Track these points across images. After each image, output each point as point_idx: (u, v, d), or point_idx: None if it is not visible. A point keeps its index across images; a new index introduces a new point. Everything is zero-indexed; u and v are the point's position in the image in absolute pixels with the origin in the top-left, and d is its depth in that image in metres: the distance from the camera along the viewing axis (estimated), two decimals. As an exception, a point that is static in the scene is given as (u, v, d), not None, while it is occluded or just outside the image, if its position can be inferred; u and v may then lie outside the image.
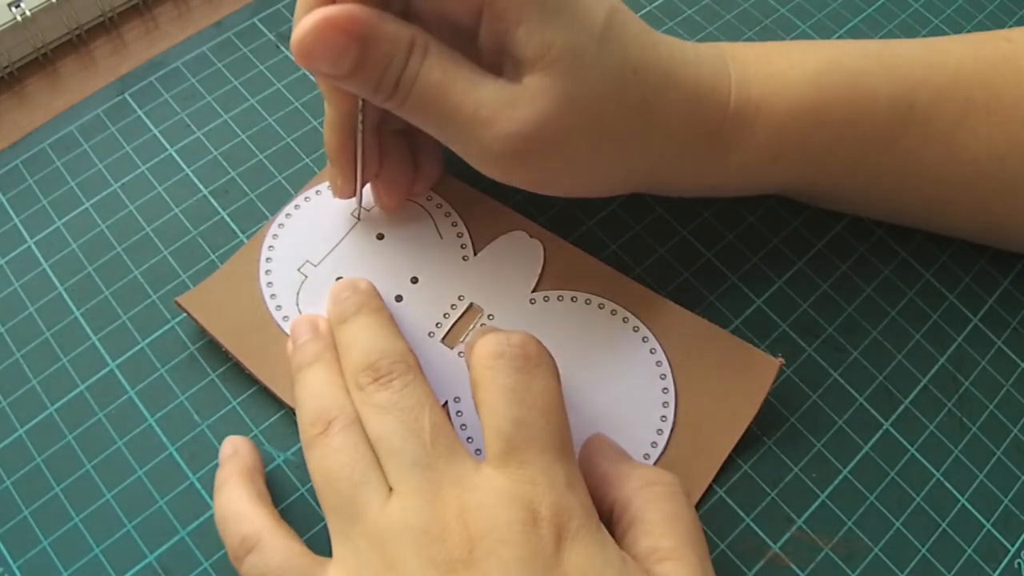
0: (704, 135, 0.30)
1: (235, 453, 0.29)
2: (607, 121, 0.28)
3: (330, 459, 0.26)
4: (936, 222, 0.34)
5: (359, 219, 0.34)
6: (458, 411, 0.30)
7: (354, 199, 0.33)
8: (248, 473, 0.28)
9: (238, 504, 0.27)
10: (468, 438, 0.30)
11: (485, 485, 0.25)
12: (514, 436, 0.25)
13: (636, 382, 0.31)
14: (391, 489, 0.25)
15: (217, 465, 0.29)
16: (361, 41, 0.25)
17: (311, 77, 0.39)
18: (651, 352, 0.31)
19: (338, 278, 0.32)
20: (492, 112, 0.26)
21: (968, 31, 0.42)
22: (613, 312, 0.32)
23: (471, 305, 0.32)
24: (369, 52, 0.26)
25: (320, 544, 0.26)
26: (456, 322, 0.32)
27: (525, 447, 0.25)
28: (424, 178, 0.34)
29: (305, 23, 0.25)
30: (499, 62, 0.27)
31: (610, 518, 0.27)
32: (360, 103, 0.29)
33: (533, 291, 0.32)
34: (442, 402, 0.30)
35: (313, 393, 0.28)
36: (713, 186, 0.33)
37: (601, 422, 0.30)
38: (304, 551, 0.26)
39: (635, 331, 0.32)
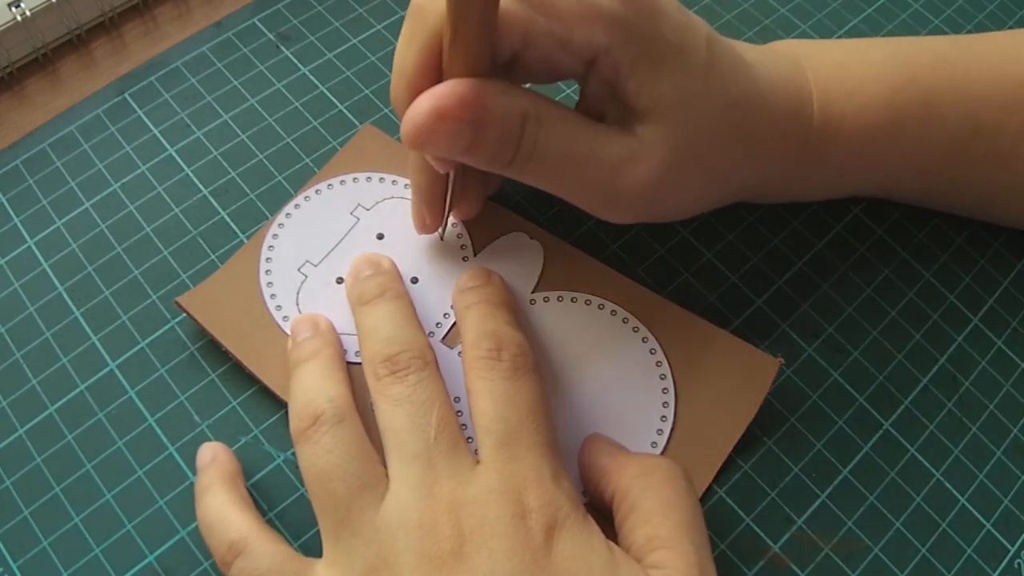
0: (793, 154, 0.31)
1: (214, 459, 0.29)
2: (715, 157, 0.29)
3: (321, 459, 0.26)
4: (986, 215, 0.36)
5: (442, 239, 0.33)
6: (459, 411, 0.30)
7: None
8: (229, 478, 0.28)
9: (222, 510, 0.27)
10: (468, 438, 0.30)
11: (476, 480, 0.25)
12: (502, 434, 0.26)
13: (636, 382, 0.31)
14: (389, 480, 0.26)
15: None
16: (474, 124, 0.26)
17: (311, 78, 0.39)
18: (651, 352, 0.31)
19: (338, 279, 0.32)
20: (613, 170, 0.27)
21: (968, 31, 0.42)
22: (613, 312, 0.32)
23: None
24: (483, 132, 0.26)
25: (319, 545, 0.26)
26: (456, 322, 0.32)
27: (513, 444, 0.26)
28: (495, 181, 0.34)
29: (415, 115, 0.25)
30: (603, 107, 0.28)
31: (610, 509, 0.27)
32: None
33: (533, 292, 0.32)
34: None
35: (304, 388, 0.28)
36: (797, 196, 0.34)
37: (601, 422, 0.30)
38: (292, 553, 0.26)
39: (635, 331, 0.32)
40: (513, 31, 0.26)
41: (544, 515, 0.25)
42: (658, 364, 0.31)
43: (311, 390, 0.28)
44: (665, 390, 0.31)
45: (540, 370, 0.29)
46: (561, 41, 0.26)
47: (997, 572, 0.30)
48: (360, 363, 0.30)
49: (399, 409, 0.27)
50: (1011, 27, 0.43)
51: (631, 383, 0.31)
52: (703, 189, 0.30)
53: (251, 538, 0.26)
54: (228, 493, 0.27)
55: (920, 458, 0.31)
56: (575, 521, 0.25)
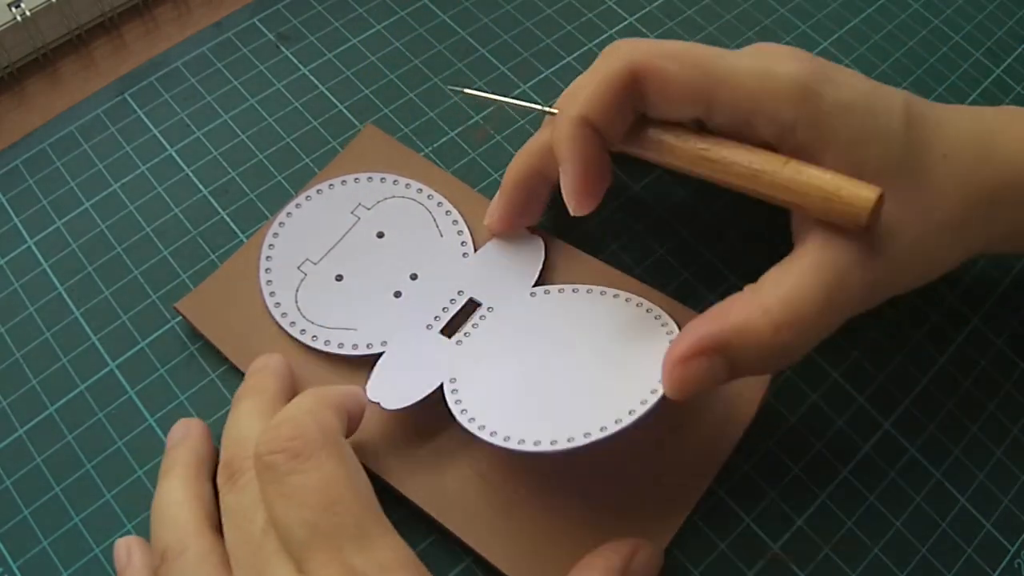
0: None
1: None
2: (944, 214, 0.27)
3: None
4: None
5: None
6: (453, 389, 0.30)
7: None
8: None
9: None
10: (471, 419, 0.29)
11: None
12: (307, 541, 0.23)
13: (642, 344, 0.30)
14: None
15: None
16: (722, 353, 0.26)
17: (311, 78, 0.39)
18: (656, 318, 0.31)
19: (337, 276, 0.33)
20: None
21: (967, 32, 0.42)
22: (616, 296, 0.32)
23: (471, 299, 0.32)
24: (735, 356, 0.26)
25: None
26: (456, 315, 0.32)
27: (321, 549, 0.23)
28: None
29: (669, 380, 0.26)
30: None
31: None
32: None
33: (533, 287, 0.32)
34: (437, 384, 0.30)
35: (155, 515, 0.27)
36: None
37: (604, 373, 0.29)
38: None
39: (638, 306, 0.31)
40: (694, 102, 0.26)
41: None
42: (669, 333, 0.30)
43: (159, 517, 0.27)
44: None
45: (338, 443, 0.25)
46: (746, 115, 0.26)
47: (997, 572, 0.30)
48: (349, 355, 0.31)
49: (228, 523, 0.25)
50: (1011, 27, 0.43)
51: (636, 345, 0.30)
52: (942, 252, 0.28)
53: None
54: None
55: (920, 458, 0.31)
56: None
